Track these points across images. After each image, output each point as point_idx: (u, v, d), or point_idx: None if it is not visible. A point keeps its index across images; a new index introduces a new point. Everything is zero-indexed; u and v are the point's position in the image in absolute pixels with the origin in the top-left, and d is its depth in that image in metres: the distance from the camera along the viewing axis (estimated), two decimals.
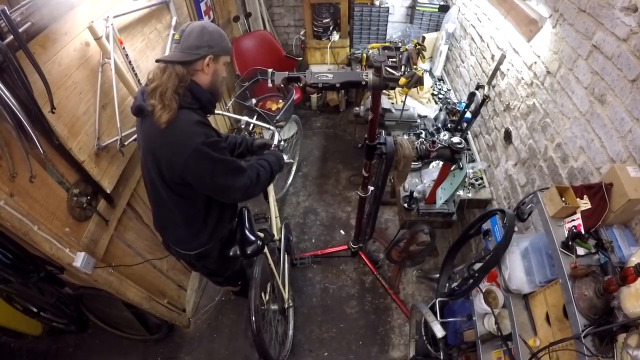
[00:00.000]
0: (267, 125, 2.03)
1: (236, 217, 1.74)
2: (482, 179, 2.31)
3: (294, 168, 3.37)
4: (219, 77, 1.41)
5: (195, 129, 1.27)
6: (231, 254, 1.68)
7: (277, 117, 2.45)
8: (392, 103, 2.72)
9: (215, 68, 1.36)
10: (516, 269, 1.38)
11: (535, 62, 1.78)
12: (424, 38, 3.17)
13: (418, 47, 1.50)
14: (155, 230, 1.70)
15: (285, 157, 1.75)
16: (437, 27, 3.27)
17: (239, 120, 2.08)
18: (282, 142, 1.85)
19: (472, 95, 2.25)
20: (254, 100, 2.34)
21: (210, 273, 1.94)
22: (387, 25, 3.45)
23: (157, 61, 1.31)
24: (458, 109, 2.72)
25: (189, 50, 1.28)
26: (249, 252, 1.69)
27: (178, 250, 1.64)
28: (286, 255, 2.35)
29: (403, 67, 1.37)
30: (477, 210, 2.42)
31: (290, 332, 2.37)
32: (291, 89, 2.79)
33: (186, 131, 1.27)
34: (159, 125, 1.24)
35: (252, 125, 2.06)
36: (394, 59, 1.40)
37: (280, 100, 2.90)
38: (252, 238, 1.72)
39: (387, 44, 1.49)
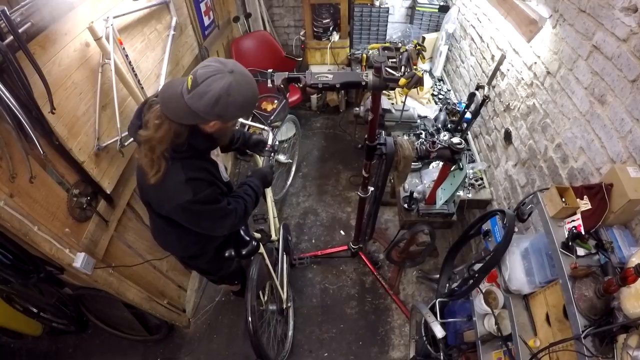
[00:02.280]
0: (262, 126, 2.04)
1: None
2: (482, 179, 2.31)
3: (293, 168, 3.37)
4: (227, 131, 1.33)
5: (184, 187, 1.20)
6: (226, 254, 1.68)
7: (272, 118, 2.48)
8: (392, 103, 2.72)
9: (222, 126, 1.24)
10: (516, 270, 1.38)
11: (535, 63, 1.78)
12: (423, 38, 3.16)
13: (418, 47, 1.50)
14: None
15: (282, 157, 1.75)
16: (437, 28, 3.27)
17: None
18: (277, 142, 1.86)
19: (472, 96, 2.25)
20: None
21: (204, 271, 1.95)
22: (387, 25, 3.45)
23: (156, 99, 1.18)
24: (458, 109, 2.72)
25: (196, 112, 1.10)
26: (243, 252, 1.70)
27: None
28: (285, 256, 2.35)
29: (403, 68, 1.37)
30: (477, 211, 2.42)
31: (290, 333, 2.37)
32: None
33: (173, 189, 1.22)
34: (146, 180, 1.19)
35: (247, 126, 2.08)
36: (394, 60, 1.40)
37: (275, 101, 2.92)
38: (247, 239, 1.73)
39: (387, 45, 1.49)
